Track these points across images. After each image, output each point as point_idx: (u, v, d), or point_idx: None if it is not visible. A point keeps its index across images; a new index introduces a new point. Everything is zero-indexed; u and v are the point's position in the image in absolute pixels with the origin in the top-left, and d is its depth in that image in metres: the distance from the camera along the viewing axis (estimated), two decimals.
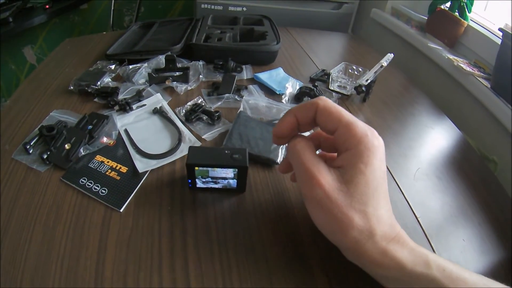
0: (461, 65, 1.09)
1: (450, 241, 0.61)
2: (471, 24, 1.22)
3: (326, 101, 0.46)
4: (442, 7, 1.27)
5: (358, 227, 0.40)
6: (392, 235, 0.42)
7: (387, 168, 0.73)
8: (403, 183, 0.70)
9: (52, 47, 1.18)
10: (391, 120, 0.89)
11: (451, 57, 1.15)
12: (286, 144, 0.52)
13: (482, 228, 0.63)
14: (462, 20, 1.20)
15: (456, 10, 1.23)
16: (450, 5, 1.26)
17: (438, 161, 0.78)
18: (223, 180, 0.60)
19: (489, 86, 1.01)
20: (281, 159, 0.70)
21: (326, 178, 0.42)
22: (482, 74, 1.06)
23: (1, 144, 0.72)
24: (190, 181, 0.61)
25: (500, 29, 0.97)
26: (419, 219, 0.63)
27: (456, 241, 0.61)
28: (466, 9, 1.21)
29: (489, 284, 0.39)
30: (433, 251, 0.58)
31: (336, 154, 0.50)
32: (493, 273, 0.57)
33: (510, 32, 0.92)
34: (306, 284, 0.51)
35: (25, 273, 0.51)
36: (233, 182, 0.61)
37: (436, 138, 0.86)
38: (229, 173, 0.59)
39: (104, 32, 1.33)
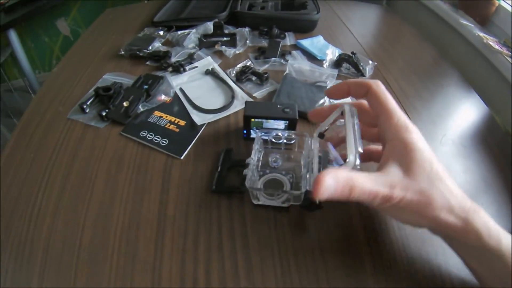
0: (491, 43, 1.07)
1: None
2: (502, 4, 1.20)
3: (379, 85, 0.47)
4: None
5: (437, 205, 0.40)
6: (468, 205, 0.42)
7: None
8: (430, 146, 0.72)
9: (87, 18, 1.22)
10: (421, 88, 0.90)
11: (481, 34, 1.14)
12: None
13: (500, 196, 0.64)
14: None
15: None
16: None
17: (464, 131, 0.79)
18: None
19: None
20: None
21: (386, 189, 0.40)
22: (510, 53, 1.05)
23: (52, 108, 0.77)
24: (245, 131, 0.65)
25: None
26: None
27: (476, 204, 0.63)
28: None
29: None
30: None
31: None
32: None
33: None
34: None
35: (87, 219, 0.56)
36: None
37: (463, 110, 0.87)
38: (281, 124, 0.63)
39: (146, 1, 1.36)
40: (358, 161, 0.43)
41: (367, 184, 0.40)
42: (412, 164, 0.41)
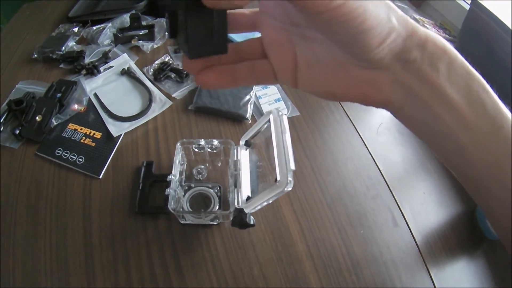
0: (427, 25, 1.06)
1: (411, 193, 0.64)
2: None
3: None
4: None
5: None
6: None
7: (351, 122, 0.74)
8: (367, 137, 0.71)
9: (7, 13, 1.11)
10: None
11: (417, 16, 1.12)
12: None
13: (441, 182, 0.65)
14: None
15: None
16: None
17: None
18: None
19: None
20: (250, 114, 0.71)
21: None
22: (447, 36, 1.04)
23: None
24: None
25: None
26: (382, 171, 0.65)
27: (417, 193, 0.64)
28: None
29: None
30: (396, 202, 0.61)
31: None
32: (452, 224, 0.60)
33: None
34: None
35: (16, 256, 0.51)
36: None
37: None
38: None
39: None
40: (290, 181, 0.37)
41: None
42: None
